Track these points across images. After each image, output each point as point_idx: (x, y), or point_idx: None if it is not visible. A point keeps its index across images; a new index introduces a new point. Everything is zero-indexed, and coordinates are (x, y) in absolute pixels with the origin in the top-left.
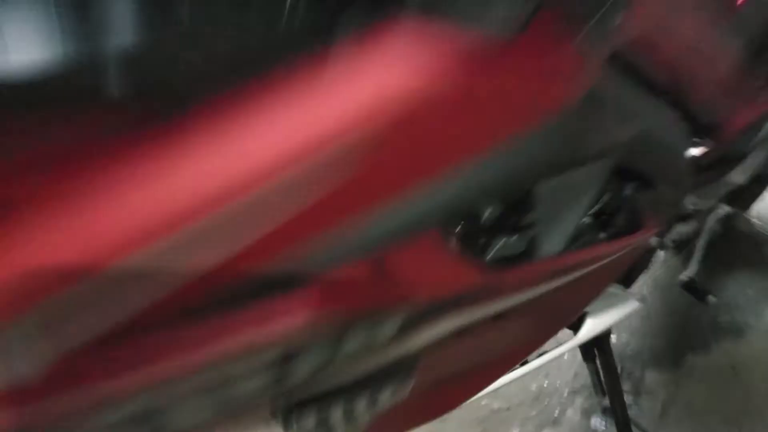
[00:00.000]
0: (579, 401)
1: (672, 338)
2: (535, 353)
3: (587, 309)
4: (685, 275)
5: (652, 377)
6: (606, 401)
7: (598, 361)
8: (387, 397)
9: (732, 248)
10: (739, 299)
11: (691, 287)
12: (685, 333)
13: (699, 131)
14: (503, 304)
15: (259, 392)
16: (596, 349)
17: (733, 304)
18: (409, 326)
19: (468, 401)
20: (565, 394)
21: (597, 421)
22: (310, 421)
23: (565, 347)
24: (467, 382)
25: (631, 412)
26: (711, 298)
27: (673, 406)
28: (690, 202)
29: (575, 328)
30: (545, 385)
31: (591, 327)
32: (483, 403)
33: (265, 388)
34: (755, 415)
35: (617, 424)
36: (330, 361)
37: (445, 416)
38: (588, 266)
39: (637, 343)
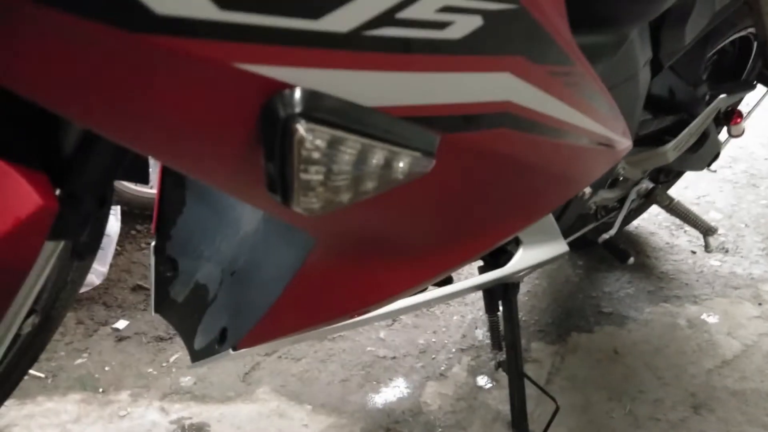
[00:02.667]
0: (466, 360)
1: (558, 317)
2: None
3: (521, 239)
4: (606, 235)
5: (538, 347)
6: (501, 356)
7: (500, 314)
8: (402, 168)
9: (626, 241)
10: (621, 293)
11: (612, 247)
12: (571, 315)
13: None
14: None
15: None
16: (502, 300)
17: (616, 296)
18: None
19: (352, 345)
20: (453, 351)
21: (485, 379)
22: (324, 135)
23: (492, 275)
24: (410, 267)
25: None
26: (631, 260)
27: (558, 376)
28: (621, 167)
29: (498, 262)
30: (433, 341)
31: (523, 258)
32: (368, 349)
33: None
34: (637, 394)
35: (511, 377)
36: None
37: (327, 357)
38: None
39: (524, 316)
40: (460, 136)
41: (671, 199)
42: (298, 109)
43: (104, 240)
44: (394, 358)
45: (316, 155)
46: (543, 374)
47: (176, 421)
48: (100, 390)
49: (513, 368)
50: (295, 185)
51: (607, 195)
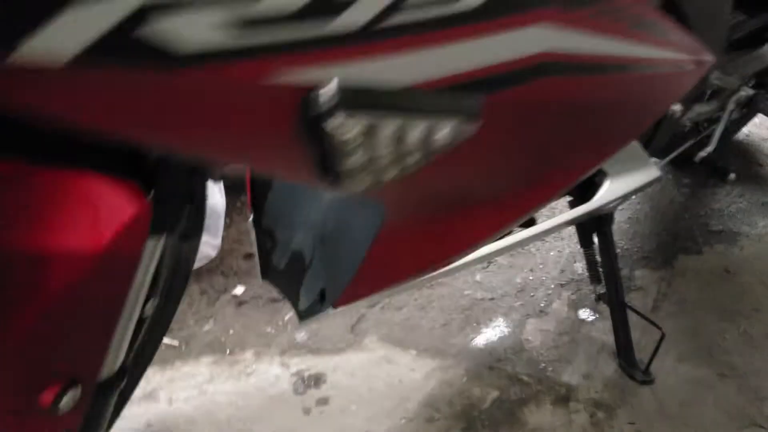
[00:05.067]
0: (566, 294)
1: (663, 242)
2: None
3: (607, 170)
4: (704, 152)
5: (642, 275)
6: (600, 288)
7: (595, 247)
8: (445, 136)
9: (732, 156)
10: (732, 209)
11: (709, 163)
12: (677, 238)
13: None
14: None
15: None
16: (597, 232)
17: (726, 212)
18: None
19: (450, 290)
20: (552, 287)
21: (587, 312)
22: (359, 124)
23: (580, 210)
24: (486, 214)
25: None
26: (731, 176)
27: (666, 302)
28: (715, 77)
29: (585, 196)
30: (530, 279)
31: (610, 190)
32: (466, 293)
33: None
34: (751, 312)
35: (612, 307)
36: None
37: (427, 303)
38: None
39: (626, 245)
40: (504, 94)
41: None
42: (326, 106)
43: (213, 216)
44: (492, 299)
45: (352, 144)
46: (649, 302)
47: (296, 373)
48: (227, 351)
49: (614, 299)
50: (340, 172)
51: (702, 109)
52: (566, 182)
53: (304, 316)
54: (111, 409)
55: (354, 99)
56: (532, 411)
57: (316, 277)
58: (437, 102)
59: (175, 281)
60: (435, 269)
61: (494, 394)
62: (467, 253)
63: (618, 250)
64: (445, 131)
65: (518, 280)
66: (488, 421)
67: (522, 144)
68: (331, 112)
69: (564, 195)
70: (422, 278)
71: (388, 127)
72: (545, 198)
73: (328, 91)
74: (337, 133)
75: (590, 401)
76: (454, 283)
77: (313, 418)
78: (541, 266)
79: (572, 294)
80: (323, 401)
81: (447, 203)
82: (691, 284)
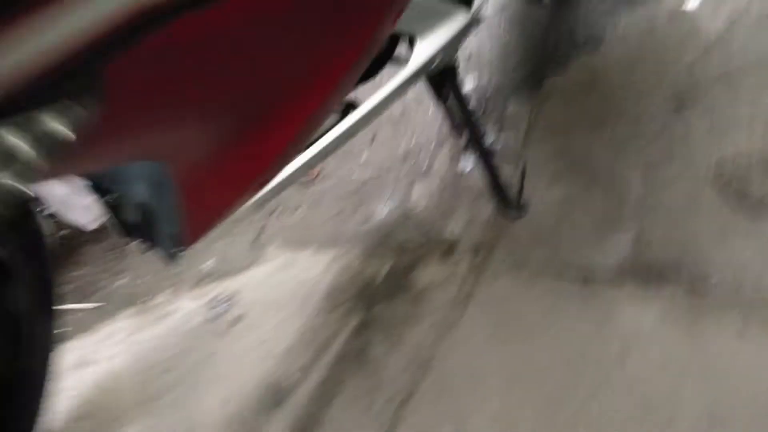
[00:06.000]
0: (445, 150)
1: (531, 68)
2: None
3: (414, 33)
4: None
5: (514, 108)
6: (465, 137)
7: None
8: (56, 128)
9: None
10: (596, 14)
11: None
12: (544, 58)
13: None
14: None
15: None
16: (447, 85)
17: (590, 20)
18: None
19: (338, 180)
20: (432, 147)
21: (464, 164)
22: None
23: (398, 78)
24: (274, 128)
25: (497, 146)
26: None
27: (536, 130)
28: None
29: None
30: (412, 145)
31: (420, 51)
32: (353, 177)
33: None
34: (616, 116)
35: (477, 153)
36: None
37: (320, 197)
38: None
39: (499, 80)
40: (136, 52)
41: None
42: None
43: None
44: (378, 177)
45: None
46: (521, 135)
47: (210, 300)
48: (143, 301)
49: (476, 145)
50: None
51: None
52: (340, 74)
53: (170, 258)
54: None
55: None
56: (421, 272)
57: (164, 223)
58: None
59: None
60: (256, 190)
61: (386, 267)
62: (278, 168)
63: (492, 89)
64: (54, 125)
65: (401, 150)
66: (385, 292)
67: (243, 73)
68: None
69: (365, 73)
70: (261, 198)
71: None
72: (327, 90)
73: None
74: None
75: (471, 247)
76: (339, 171)
77: (231, 339)
78: (421, 129)
79: (450, 149)
80: (237, 320)
81: (223, 138)
82: (559, 104)
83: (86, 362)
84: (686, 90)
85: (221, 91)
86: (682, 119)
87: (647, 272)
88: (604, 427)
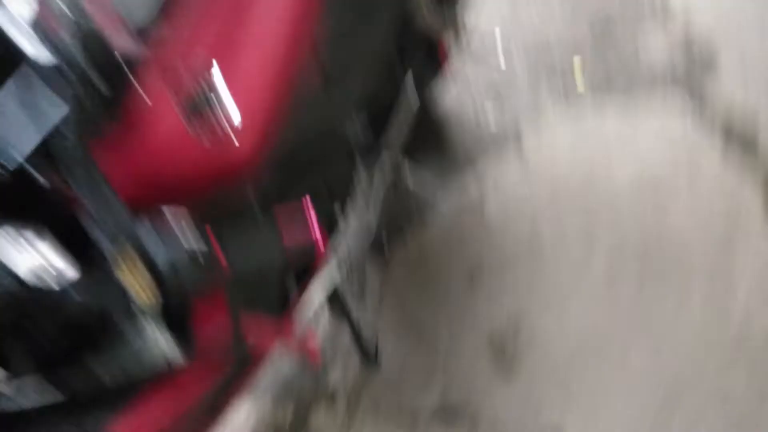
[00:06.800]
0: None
1: (379, 238)
2: None
3: None
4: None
5: (372, 278)
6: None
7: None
8: None
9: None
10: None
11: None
12: (390, 230)
13: None
14: None
15: None
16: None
17: (421, 195)
18: None
19: None
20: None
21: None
22: None
23: None
24: None
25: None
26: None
27: (387, 295)
28: None
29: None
30: None
31: None
32: None
33: None
34: (438, 285)
35: (346, 322)
36: None
37: None
38: None
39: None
40: None
41: None
42: None
43: None
44: None
45: None
46: (377, 300)
47: None
48: None
49: (345, 315)
50: None
51: None
52: None
53: None
54: None
55: None
56: (313, 419)
57: None
58: None
59: None
60: None
61: (290, 415)
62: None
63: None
64: None
65: None
66: None
67: None
68: None
69: None
70: None
71: None
72: None
73: None
74: None
75: (347, 392)
76: None
77: None
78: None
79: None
80: None
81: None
82: (401, 276)
83: None
84: (477, 267)
85: None
86: (473, 287)
87: (449, 412)
88: None
